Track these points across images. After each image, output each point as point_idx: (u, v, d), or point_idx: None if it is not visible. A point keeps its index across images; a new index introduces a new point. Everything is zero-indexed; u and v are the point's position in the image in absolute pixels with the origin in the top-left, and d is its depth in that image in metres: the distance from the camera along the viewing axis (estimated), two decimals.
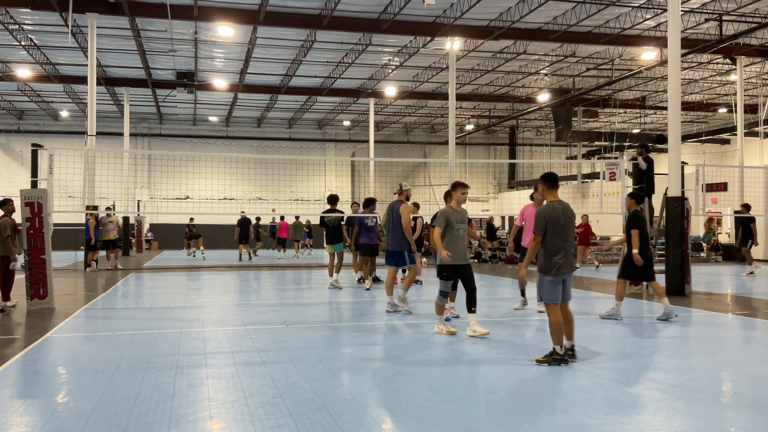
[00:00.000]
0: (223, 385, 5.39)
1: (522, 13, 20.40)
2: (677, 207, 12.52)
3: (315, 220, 25.46)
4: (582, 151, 38.59)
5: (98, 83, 24.93)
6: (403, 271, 14.23)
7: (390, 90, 30.38)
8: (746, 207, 17.79)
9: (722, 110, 34.71)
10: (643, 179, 13.14)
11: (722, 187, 25.48)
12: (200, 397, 5.05)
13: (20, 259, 10.61)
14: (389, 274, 10.01)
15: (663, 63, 23.80)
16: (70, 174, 13.64)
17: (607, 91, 31.96)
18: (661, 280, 12.85)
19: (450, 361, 6.39)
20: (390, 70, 27.88)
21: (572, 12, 20.98)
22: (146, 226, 36.25)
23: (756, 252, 24.46)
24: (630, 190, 13.51)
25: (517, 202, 36.92)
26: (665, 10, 17.03)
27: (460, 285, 7.91)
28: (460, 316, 8.88)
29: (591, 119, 37.29)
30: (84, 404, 4.82)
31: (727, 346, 7.39)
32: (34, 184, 12.73)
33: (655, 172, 13.30)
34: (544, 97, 32.37)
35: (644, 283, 12.78)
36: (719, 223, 27.88)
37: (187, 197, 37.23)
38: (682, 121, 22.30)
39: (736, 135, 27.02)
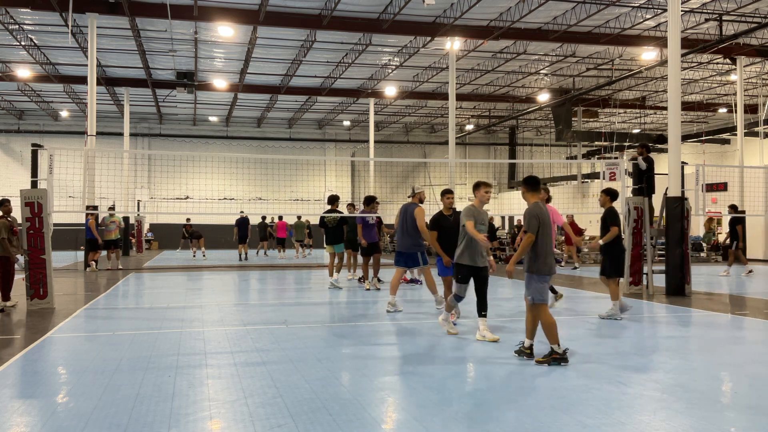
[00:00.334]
0: (223, 385, 5.39)
1: (522, 13, 20.40)
2: (677, 207, 12.52)
3: (314, 220, 25.47)
4: (582, 151, 38.59)
5: (98, 83, 24.94)
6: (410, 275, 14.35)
7: (390, 90, 30.38)
8: (733, 208, 17.82)
9: (722, 110, 34.71)
10: (643, 179, 13.15)
11: (722, 187, 25.48)
12: (200, 397, 5.05)
13: (20, 260, 10.60)
14: (396, 274, 10.02)
15: (663, 63, 23.80)
16: (70, 174, 13.65)
17: (607, 91, 31.96)
18: (661, 279, 12.93)
19: (450, 361, 6.39)
20: (390, 70, 27.88)
21: (572, 12, 20.98)
22: (146, 226, 36.26)
23: (756, 252, 24.54)
24: (630, 190, 13.56)
25: (517, 203, 36.93)
26: (665, 10, 17.03)
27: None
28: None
29: (591, 119, 37.30)
30: (84, 404, 4.82)
31: (727, 346, 7.39)
32: (34, 184, 12.73)
33: (655, 172, 13.31)
34: (544, 97, 32.37)
35: (644, 281, 12.84)
36: (719, 223, 27.87)
37: (187, 197, 37.23)
38: (682, 121, 22.31)
39: (736, 135, 27.02)
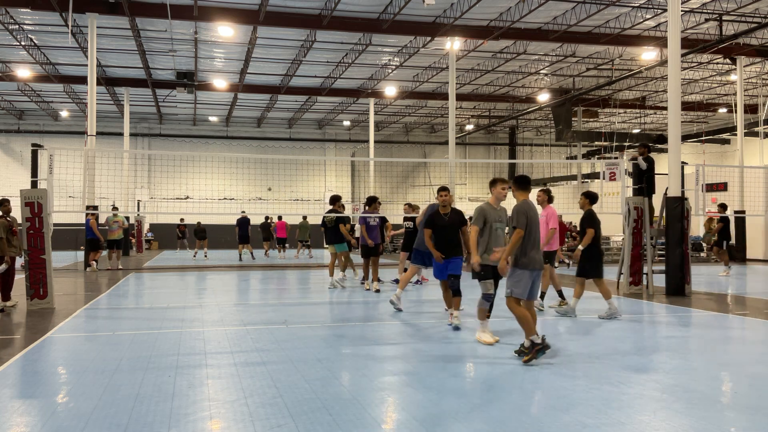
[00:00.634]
0: (223, 385, 5.39)
1: (522, 13, 20.40)
2: (677, 207, 12.52)
3: (312, 220, 25.47)
4: (582, 151, 38.60)
5: (98, 83, 24.95)
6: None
7: (390, 90, 30.38)
8: (722, 207, 17.82)
9: (722, 110, 34.71)
10: (643, 179, 13.15)
11: (722, 187, 25.48)
12: (200, 397, 5.05)
13: (20, 260, 10.59)
14: (411, 270, 9.97)
15: (663, 63, 23.80)
16: (70, 174, 13.64)
17: (607, 91, 31.97)
18: (661, 279, 12.93)
19: (450, 360, 6.39)
20: (390, 70, 27.88)
21: (572, 12, 20.98)
22: (146, 226, 36.28)
23: (756, 252, 24.53)
24: (630, 190, 13.56)
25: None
26: (665, 10, 17.03)
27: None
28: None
29: (591, 119, 37.30)
30: (84, 404, 4.82)
31: (727, 346, 7.39)
32: (34, 184, 12.75)
33: (655, 172, 13.31)
34: (544, 97, 32.37)
35: (644, 281, 12.84)
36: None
37: (187, 197, 37.23)
38: (682, 121, 22.31)
39: (736, 135, 27.01)
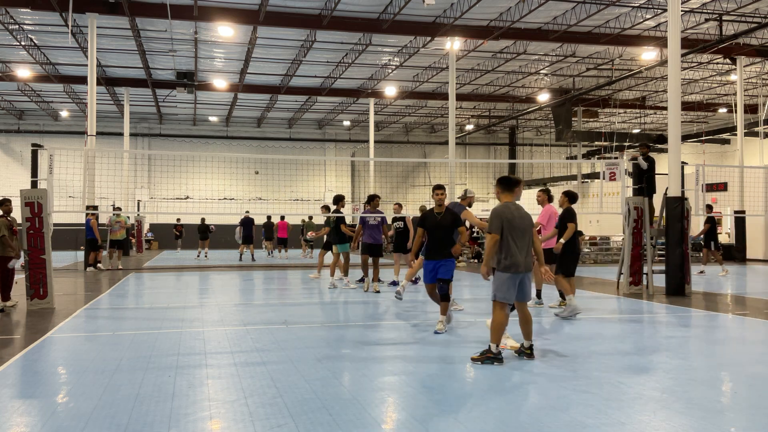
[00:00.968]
0: (223, 385, 5.39)
1: (522, 13, 20.41)
2: (677, 207, 12.52)
3: (316, 221, 25.48)
4: (582, 151, 38.59)
5: (98, 83, 24.94)
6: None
7: (390, 90, 30.38)
8: (708, 208, 17.84)
9: (722, 110, 34.71)
10: (644, 179, 13.15)
11: (722, 187, 25.49)
12: (200, 397, 5.05)
13: (20, 260, 10.58)
14: (418, 263, 9.77)
15: (663, 63, 23.80)
16: (70, 174, 13.65)
17: (607, 91, 31.96)
18: (661, 279, 12.93)
19: (450, 361, 6.39)
20: (390, 70, 27.88)
21: (572, 12, 20.98)
22: (146, 226, 36.28)
23: (756, 252, 24.53)
24: (630, 190, 13.57)
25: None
26: (665, 10, 17.03)
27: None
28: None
29: (591, 119, 37.30)
30: (84, 404, 4.82)
31: (727, 346, 7.39)
32: (34, 184, 12.75)
33: (655, 172, 13.30)
34: (544, 97, 32.37)
35: (644, 281, 12.84)
36: (719, 223, 27.87)
37: (187, 197, 37.23)
38: (682, 121, 22.29)
39: (736, 135, 27.01)
